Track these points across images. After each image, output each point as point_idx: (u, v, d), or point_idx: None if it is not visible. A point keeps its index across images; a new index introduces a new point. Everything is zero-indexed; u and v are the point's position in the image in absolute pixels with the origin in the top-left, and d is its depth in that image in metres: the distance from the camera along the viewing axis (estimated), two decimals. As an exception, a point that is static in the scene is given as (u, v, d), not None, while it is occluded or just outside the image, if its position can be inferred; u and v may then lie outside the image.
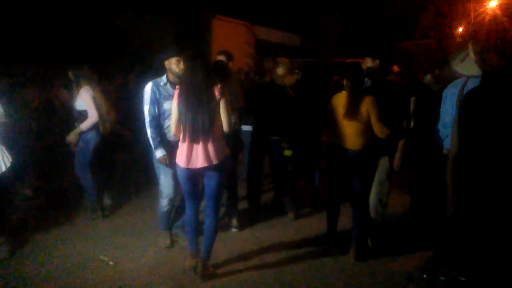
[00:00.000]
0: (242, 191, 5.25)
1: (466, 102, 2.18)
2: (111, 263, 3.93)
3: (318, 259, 3.78)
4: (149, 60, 3.85)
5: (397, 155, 3.56)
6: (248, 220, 4.79)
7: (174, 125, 3.54)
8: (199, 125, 3.52)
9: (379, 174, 3.62)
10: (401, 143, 3.53)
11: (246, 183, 5.19)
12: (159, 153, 4.01)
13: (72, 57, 7.05)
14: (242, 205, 5.05)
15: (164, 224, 4.33)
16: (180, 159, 3.57)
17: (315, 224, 4.63)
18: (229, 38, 14.40)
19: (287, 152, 4.72)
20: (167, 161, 4.07)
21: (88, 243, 4.38)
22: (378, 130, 3.33)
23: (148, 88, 3.97)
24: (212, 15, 14.89)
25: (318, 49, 18.42)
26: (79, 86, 4.90)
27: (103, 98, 4.88)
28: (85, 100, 4.77)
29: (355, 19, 21.63)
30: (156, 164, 4.11)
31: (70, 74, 5.14)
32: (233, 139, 4.49)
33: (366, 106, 3.31)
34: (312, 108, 4.71)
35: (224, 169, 3.65)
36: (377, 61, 3.70)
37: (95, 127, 4.81)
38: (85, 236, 4.56)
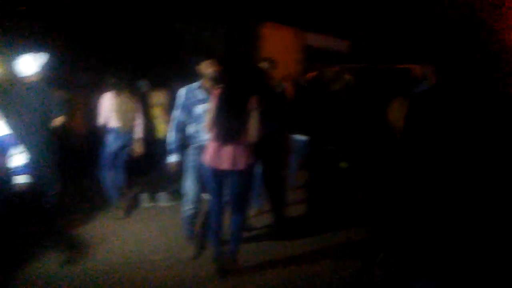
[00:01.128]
0: (293, 196, 5.19)
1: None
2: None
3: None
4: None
5: None
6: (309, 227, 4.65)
7: (209, 123, 3.65)
8: (231, 129, 3.58)
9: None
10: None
11: (301, 189, 5.12)
12: (173, 158, 4.10)
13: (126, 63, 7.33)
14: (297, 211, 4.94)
15: (188, 230, 4.33)
16: (208, 158, 3.67)
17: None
18: (278, 45, 14.39)
19: (343, 164, 4.60)
20: (176, 168, 4.17)
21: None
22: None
23: (182, 93, 4.07)
24: (261, 22, 14.93)
25: (369, 54, 18.02)
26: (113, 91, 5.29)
27: (128, 104, 5.20)
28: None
29: (406, 24, 21.00)
30: (185, 168, 4.19)
31: (111, 79, 5.45)
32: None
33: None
34: (369, 115, 4.60)
35: (248, 174, 3.70)
36: (432, 66, 3.56)
37: (114, 130, 5.13)
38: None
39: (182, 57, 10.18)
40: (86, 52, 8.97)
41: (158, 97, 6.17)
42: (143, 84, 6.82)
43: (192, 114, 4.05)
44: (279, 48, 14.20)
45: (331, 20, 15.13)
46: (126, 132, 5.13)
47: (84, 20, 9.40)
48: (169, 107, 6.08)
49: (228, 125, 3.65)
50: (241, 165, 3.63)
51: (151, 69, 7.05)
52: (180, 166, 4.22)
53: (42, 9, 8.91)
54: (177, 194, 5.37)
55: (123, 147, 5.21)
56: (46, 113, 4.53)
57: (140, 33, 10.34)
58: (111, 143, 5.15)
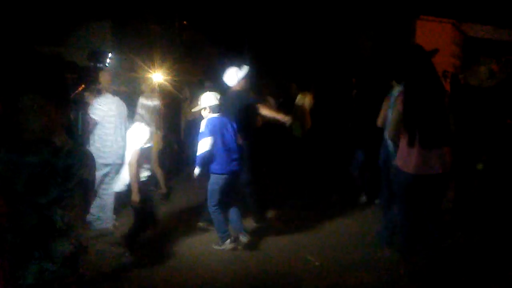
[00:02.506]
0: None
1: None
2: (317, 263, 4.26)
3: None
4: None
5: None
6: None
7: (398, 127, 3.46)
8: (433, 129, 3.40)
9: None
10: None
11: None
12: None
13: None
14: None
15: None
16: (409, 165, 3.42)
17: None
18: (434, 39, 13.63)
19: (479, 166, 4.32)
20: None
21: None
22: None
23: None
24: (415, 16, 14.31)
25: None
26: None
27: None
28: None
29: None
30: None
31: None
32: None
33: None
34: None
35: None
36: None
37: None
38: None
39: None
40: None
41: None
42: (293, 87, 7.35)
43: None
44: (435, 43, 13.44)
45: (495, 8, 13.77)
46: None
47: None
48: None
49: (428, 126, 3.51)
50: (449, 166, 3.50)
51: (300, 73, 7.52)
52: None
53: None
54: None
55: None
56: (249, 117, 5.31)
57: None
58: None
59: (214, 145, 4.56)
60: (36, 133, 1.92)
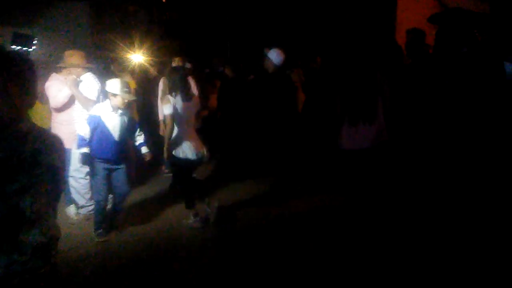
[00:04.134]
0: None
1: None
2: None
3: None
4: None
5: None
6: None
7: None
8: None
9: None
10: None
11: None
12: None
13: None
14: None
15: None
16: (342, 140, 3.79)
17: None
18: (415, 12, 13.58)
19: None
20: None
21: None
22: None
23: None
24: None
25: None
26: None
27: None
28: None
29: None
30: None
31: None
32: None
33: None
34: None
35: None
36: None
37: None
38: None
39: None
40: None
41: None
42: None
43: None
44: (416, 16, 13.38)
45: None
46: None
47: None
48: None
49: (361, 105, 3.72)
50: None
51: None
52: None
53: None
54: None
55: None
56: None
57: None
58: None
59: None
60: (-1, 118, 1.82)
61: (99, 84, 5.18)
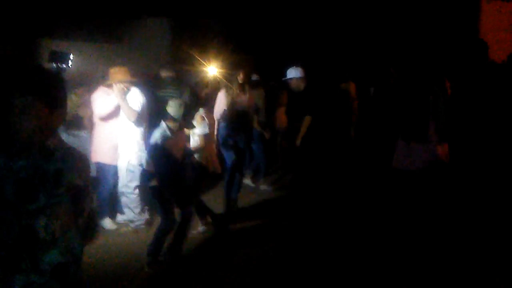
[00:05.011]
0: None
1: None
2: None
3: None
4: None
5: None
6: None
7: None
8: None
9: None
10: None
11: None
12: None
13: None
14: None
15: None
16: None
17: None
18: (502, 21, 12.72)
19: None
20: None
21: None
22: None
23: None
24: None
25: None
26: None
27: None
28: None
29: None
30: None
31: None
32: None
33: None
34: None
35: None
36: None
37: None
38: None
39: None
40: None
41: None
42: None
43: None
44: (505, 25, 12.53)
45: None
46: None
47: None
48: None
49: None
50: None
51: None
52: None
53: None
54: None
55: None
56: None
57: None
58: None
59: None
60: (27, 136, 1.76)
61: (144, 98, 5.22)
